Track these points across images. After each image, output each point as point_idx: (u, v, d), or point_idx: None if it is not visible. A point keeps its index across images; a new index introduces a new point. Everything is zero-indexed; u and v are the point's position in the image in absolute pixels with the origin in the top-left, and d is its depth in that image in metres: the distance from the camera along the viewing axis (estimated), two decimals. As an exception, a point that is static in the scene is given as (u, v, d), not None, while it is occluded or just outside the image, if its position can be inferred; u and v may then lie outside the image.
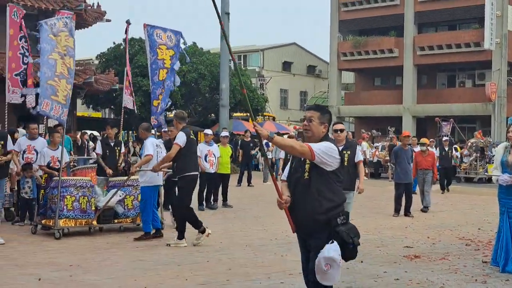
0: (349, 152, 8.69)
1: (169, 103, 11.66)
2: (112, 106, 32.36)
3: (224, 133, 15.22)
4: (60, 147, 10.48)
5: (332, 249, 4.46)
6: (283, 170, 6.35)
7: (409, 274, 7.18)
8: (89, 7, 24.12)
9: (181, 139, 8.79)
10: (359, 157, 9.01)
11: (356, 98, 42.49)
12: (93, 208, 9.92)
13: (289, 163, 4.93)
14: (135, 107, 11.82)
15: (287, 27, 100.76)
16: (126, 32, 11.72)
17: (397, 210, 13.10)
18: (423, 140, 15.17)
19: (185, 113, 9.53)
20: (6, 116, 12.45)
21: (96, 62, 34.01)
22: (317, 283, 4.57)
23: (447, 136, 27.64)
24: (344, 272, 7.06)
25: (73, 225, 9.72)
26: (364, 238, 9.82)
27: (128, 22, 11.73)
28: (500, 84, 35.38)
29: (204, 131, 14.45)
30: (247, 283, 6.64)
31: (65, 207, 9.61)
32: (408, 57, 38.69)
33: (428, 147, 14.99)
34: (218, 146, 14.14)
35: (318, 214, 4.56)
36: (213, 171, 13.58)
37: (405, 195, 13.21)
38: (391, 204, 13.78)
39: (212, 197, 13.92)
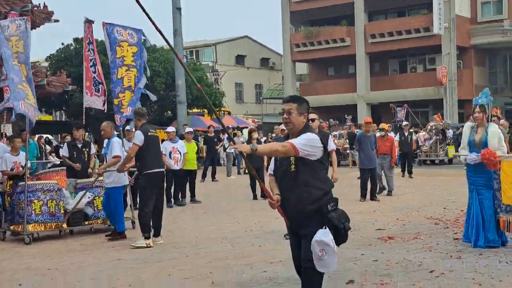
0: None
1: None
2: (64, 108, 31.77)
3: (188, 129, 15.20)
4: (22, 152, 10.34)
5: (324, 234, 4.56)
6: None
7: (386, 255, 7.36)
8: (36, 8, 23.60)
9: (138, 138, 8.72)
10: (331, 146, 9.13)
11: (311, 89, 42.87)
12: (62, 211, 9.80)
13: (273, 157, 4.99)
14: (105, 106, 11.61)
15: (238, 21, 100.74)
16: (86, 31, 11.47)
17: (363, 195, 13.36)
18: (382, 125, 15.54)
19: (144, 110, 9.43)
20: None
21: (45, 64, 33.26)
22: (312, 270, 4.66)
23: (402, 121, 28.24)
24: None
25: (42, 229, 9.58)
26: (336, 223, 10.07)
27: (89, 21, 11.48)
28: (450, 68, 36.26)
29: (167, 129, 14.41)
30: (231, 275, 6.69)
31: (33, 211, 9.47)
32: (360, 45, 39.26)
33: (387, 132, 15.35)
34: (184, 142, 14.12)
35: (308, 204, 4.66)
36: (178, 168, 13.55)
37: (370, 180, 13.49)
38: (354, 190, 14.09)
39: (180, 194, 13.89)
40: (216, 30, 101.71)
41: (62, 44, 31.95)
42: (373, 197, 13.38)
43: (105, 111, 11.81)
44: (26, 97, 9.31)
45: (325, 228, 4.61)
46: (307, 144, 4.67)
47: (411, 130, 21.44)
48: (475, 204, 7.61)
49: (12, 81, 9.28)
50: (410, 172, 19.42)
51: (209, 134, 20.28)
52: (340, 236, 4.70)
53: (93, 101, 12.13)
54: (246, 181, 16.33)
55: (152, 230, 8.87)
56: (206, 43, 49.59)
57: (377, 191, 13.94)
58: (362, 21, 39.20)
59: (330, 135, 10.12)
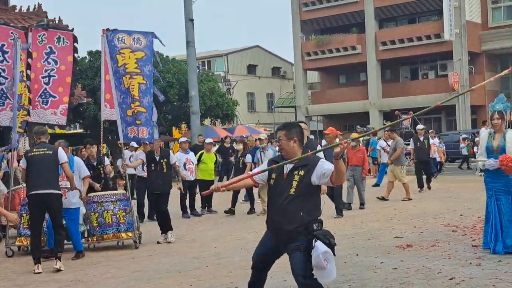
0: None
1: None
2: (80, 121, 32.05)
3: (208, 140, 15.33)
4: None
5: (322, 245, 4.70)
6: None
7: (405, 263, 7.40)
8: (51, 22, 23.88)
9: (22, 160, 8.63)
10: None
11: (323, 97, 42.97)
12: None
13: (267, 170, 5.07)
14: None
15: (249, 30, 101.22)
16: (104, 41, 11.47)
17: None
18: (354, 135, 14.80)
19: (44, 128, 8.96)
20: None
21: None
22: (314, 285, 4.78)
23: (407, 128, 28.12)
24: (342, 266, 7.27)
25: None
26: (353, 231, 10.13)
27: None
28: (462, 74, 36.23)
29: (180, 140, 14.49)
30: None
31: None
32: (371, 52, 39.33)
33: (358, 144, 13.99)
34: (202, 153, 14.27)
35: (298, 227, 4.82)
36: (193, 179, 13.67)
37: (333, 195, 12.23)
38: (370, 198, 14.08)
39: (200, 204, 14.01)
40: (227, 40, 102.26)
41: (78, 57, 32.20)
42: (338, 214, 12.19)
43: None
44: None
45: (316, 241, 4.73)
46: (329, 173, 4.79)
47: (427, 135, 18.69)
48: (494, 210, 7.63)
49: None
50: (428, 181, 17.10)
51: (225, 145, 20.33)
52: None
53: (112, 113, 12.12)
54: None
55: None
56: (217, 53, 49.89)
57: (340, 207, 12.34)
58: (373, 29, 39.28)
59: (318, 145, 10.07)
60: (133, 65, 10.34)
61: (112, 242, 10.00)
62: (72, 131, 38.30)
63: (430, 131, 21.17)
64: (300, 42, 42.08)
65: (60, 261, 8.20)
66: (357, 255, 7.99)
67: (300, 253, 4.80)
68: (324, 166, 4.86)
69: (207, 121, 35.48)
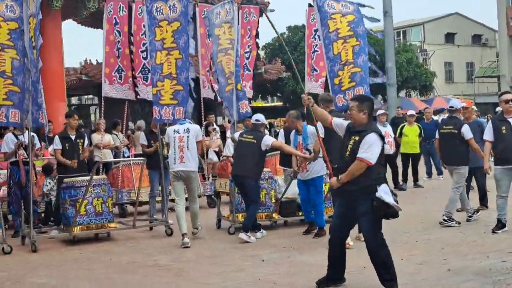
0: None
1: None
2: (278, 94, 33.20)
3: (411, 112, 15.05)
4: None
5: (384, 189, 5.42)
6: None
7: None
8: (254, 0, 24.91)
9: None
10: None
11: (532, 65, 39.66)
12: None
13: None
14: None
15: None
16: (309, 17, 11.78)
17: None
18: None
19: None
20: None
21: (262, 53, 34.96)
22: (378, 246, 5.50)
23: None
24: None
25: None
26: None
27: (311, 6, 11.54)
28: None
29: (377, 112, 14.26)
30: (466, 262, 6.60)
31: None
32: None
33: None
34: (404, 125, 14.08)
35: (356, 185, 5.46)
36: (391, 152, 13.46)
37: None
38: None
39: (401, 178, 13.88)
40: (424, 8, 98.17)
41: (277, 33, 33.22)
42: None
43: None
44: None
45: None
46: (372, 151, 5.42)
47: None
48: None
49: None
50: None
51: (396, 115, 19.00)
52: (390, 212, 5.43)
53: (314, 86, 12.46)
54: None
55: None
56: (413, 22, 48.26)
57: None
58: None
59: None
60: (345, 29, 9.44)
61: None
62: (270, 104, 39.73)
63: None
64: (505, 6, 39.07)
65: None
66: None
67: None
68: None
69: (402, 93, 34.70)
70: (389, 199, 5.35)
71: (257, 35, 12.05)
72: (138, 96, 10.89)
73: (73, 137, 9.35)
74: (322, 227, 8.51)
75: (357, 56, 9.28)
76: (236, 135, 9.28)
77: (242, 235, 8.33)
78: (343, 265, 5.85)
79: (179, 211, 8.56)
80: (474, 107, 13.37)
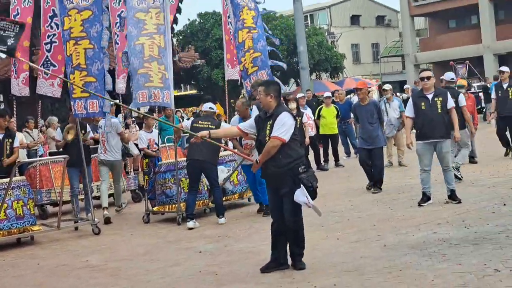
0: (440, 99, 8.42)
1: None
2: (193, 82, 32.86)
3: (327, 93, 15.27)
4: (155, 130, 11.07)
5: (299, 194, 5.56)
6: None
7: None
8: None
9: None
10: (450, 103, 8.49)
11: (432, 43, 41.35)
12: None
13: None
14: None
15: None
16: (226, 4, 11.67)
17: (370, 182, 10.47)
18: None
19: None
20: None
21: (173, 40, 34.48)
22: (296, 226, 5.76)
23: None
24: (493, 217, 7.11)
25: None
26: (494, 181, 9.68)
27: None
28: None
29: (297, 95, 14.57)
30: (400, 237, 6.74)
31: (181, 190, 9.23)
32: (482, -7, 37.22)
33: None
34: (322, 107, 14.26)
35: (280, 168, 5.63)
36: (313, 134, 13.65)
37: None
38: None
39: (322, 159, 14.07)
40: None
41: (188, 20, 32.91)
42: (375, 188, 10.14)
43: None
44: (147, 81, 8.67)
45: (300, 187, 5.56)
46: (283, 127, 5.61)
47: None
48: None
49: (132, 66, 8.75)
50: None
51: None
52: (310, 193, 5.57)
53: (234, 73, 12.37)
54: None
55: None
56: (320, 6, 49.12)
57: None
58: (484, -34, 37.06)
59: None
60: (250, 21, 10.56)
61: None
62: (184, 92, 39.30)
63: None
64: (406, -13, 40.51)
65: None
66: (504, 205, 7.75)
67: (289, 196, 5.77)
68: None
69: (313, 76, 35.25)
70: (306, 200, 5.57)
71: (175, 21, 11.69)
72: (37, 92, 10.12)
73: (0, 137, 8.90)
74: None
75: (256, 42, 10.38)
76: (187, 123, 9.81)
77: (222, 220, 8.74)
78: (285, 249, 5.85)
79: (102, 189, 9.97)
80: (389, 86, 13.65)
